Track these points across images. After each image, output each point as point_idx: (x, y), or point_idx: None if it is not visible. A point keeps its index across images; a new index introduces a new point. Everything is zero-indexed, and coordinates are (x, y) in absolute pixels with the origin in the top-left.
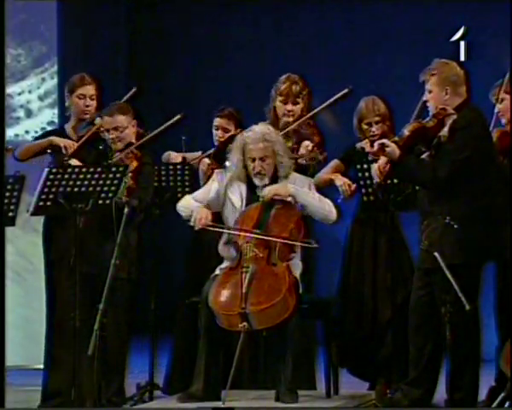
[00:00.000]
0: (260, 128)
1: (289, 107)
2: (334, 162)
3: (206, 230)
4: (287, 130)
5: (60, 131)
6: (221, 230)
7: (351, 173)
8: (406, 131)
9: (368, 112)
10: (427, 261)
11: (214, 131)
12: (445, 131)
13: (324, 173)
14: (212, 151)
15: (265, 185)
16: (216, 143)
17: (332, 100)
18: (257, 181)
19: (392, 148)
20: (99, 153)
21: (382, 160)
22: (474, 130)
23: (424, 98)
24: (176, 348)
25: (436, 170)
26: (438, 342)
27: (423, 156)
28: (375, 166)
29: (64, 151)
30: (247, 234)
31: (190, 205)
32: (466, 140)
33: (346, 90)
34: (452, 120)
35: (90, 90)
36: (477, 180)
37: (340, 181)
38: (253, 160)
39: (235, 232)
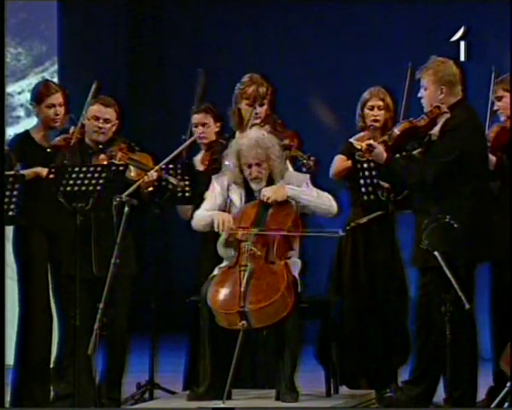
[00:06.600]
0: (254, 134)
1: (257, 109)
2: (339, 157)
3: (232, 233)
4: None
5: (26, 139)
6: (248, 231)
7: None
8: (397, 131)
9: (371, 96)
10: (423, 260)
11: (194, 129)
12: (436, 129)
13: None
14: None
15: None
16: (198, 140)
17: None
18: (254, 186)
19: (380, 150)
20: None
21: None
22: (464, 131)
23: (419, 95)
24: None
25: (423, 172)
26: (439, 341)
27: (414, 153)
28: None
29: None
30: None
31: (207, 215)
32: (455, 141)
33: None
34: (444, 121)
35: (58, 98)
36: (466, 181)
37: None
38: (249, 166)
39: (265, 232)
